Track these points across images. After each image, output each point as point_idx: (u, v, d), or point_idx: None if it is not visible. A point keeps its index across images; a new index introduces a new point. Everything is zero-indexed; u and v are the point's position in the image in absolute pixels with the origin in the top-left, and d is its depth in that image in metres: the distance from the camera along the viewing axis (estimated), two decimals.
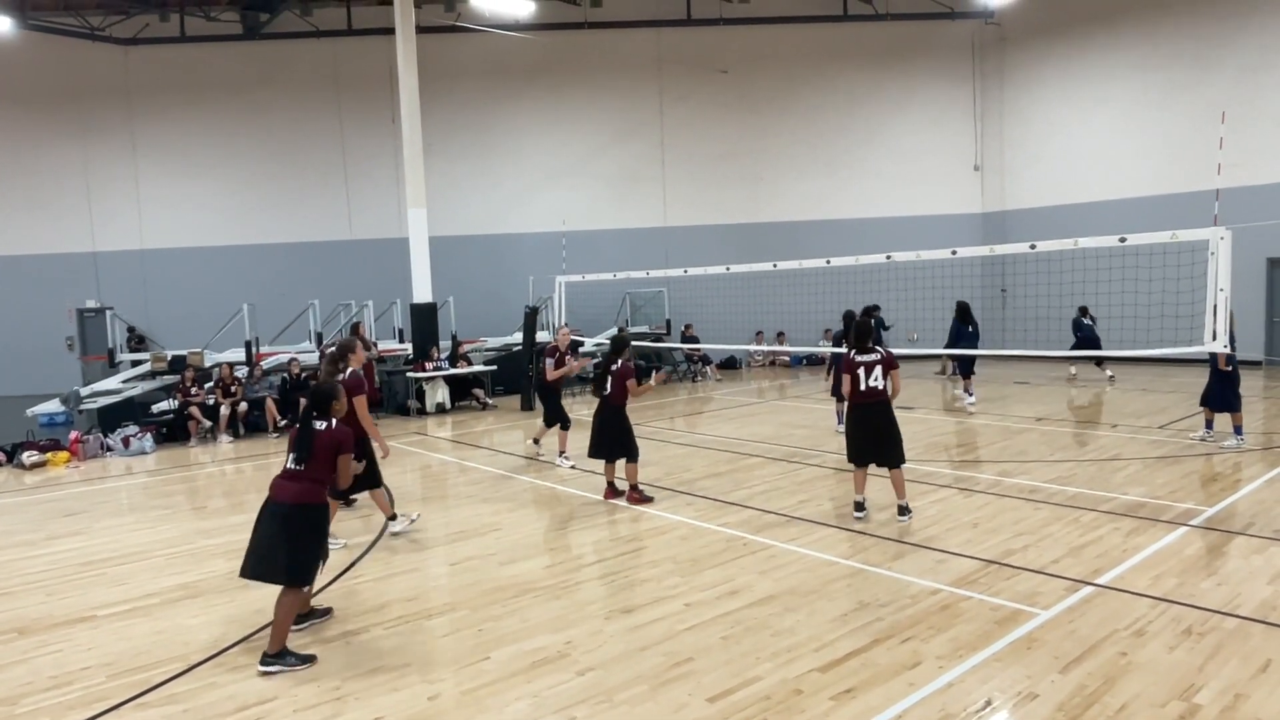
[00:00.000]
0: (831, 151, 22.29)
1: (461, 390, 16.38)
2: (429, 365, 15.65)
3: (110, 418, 13.58)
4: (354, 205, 22.18)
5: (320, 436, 5.04)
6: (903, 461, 7.40)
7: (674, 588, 5.89)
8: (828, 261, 12.07)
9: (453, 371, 16.09)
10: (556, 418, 10.50)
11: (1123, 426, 11.44)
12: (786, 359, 21.84)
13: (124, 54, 21.41)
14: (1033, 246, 10.14)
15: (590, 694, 4.38)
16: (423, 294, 15.89)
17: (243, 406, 13.73)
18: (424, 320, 15.95)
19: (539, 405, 11.28)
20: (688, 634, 5.09)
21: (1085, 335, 16.04)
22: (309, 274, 20.81)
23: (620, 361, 8.34)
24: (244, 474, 11.14)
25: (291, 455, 5.01)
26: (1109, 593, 5.49)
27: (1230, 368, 9.55)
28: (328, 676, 4.72)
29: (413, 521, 7.83)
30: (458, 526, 7.92)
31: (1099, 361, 16.22)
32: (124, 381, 14.69)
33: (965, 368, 13.98)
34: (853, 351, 7.42)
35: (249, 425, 13.87)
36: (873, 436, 7.37)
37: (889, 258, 11.40)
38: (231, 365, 14.19)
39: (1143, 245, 9.71)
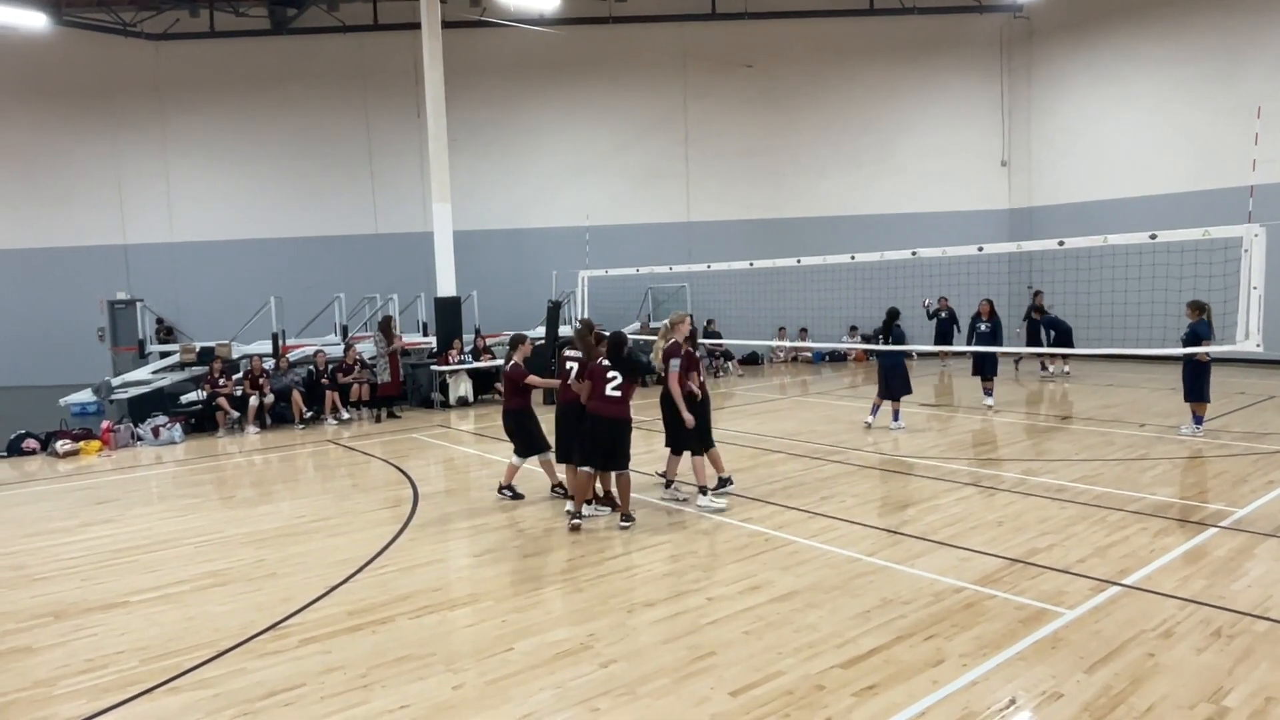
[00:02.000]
0: (857, 147, 22.15)
1: (484, 384, 16.47)
2: (453, 358, 15.75)
3: (140, 408, 13.80)
4: (379, 200, 22.36)
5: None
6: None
7: (696, 582, 5.91)
8: (852, 257, 11.98)
9: (476, 365, 16.18)
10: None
11: (1151, 426, 11.30)
12: (809, 355, 21.75)
13: (155, 49, 21.70)
14: (1061, 243, 10.03)
15: (612, 686, 4.41)
16: (447, 288, 15.99)
17: (269, 398, 13.89)
18: (448, 314, 16.05)
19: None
20: (710, 628, 5.10)
21: (1062, 330, 16.18)
22: (335, 268, 21.02)
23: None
24: (270, 465, 11.29)
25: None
26: (1136, 593, 5.44)
27: (1207, 359, 10.36)
28: (354, 664, 4.78)
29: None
30: (481, 518, 7.98)
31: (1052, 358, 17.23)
32: (154, 372, 14.93)
33: (993, 368, 13.73)
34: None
35: (275, 416, 14.03)
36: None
37: (915, 254, 11.32)
38: (261, 357, 14.36)
39: (1174, 242, 9.57)
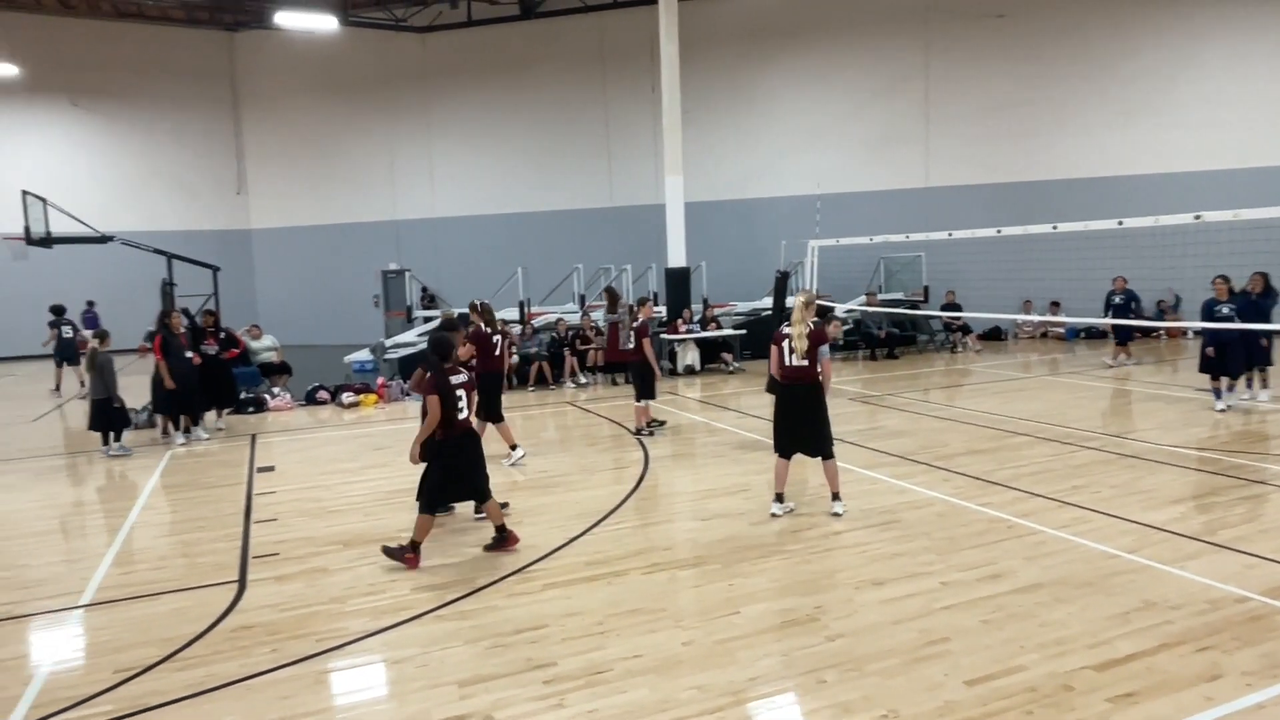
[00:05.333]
0: (1125, 98, 19.72)
1: (711, 353, 16.73)
2: (681, 328, 16.12)
3: (408, 367, 15.41)
4: (615, 173, 23.23)
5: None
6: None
7: (929, 564, 5.69)
8: (1120, 223, 10.75)
9: (703, 334, 16.46)
10: None
11: None
12: (1061, 331, 19.91)
13: (421, 41, 23.88)
14: None
15: (840, 660, 4.38)
16: (677, 259, 16.34)
17: (514, 360, 14.99)
18: (678, 284, 16.42)
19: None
20: (944, 613, 4.90)
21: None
22: (574, 239, 22.18)
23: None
24: (515, 422, 12.19)
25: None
26: None
27: None
28: (592, 611, 5.11)
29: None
30: (707, 484, 8.17)
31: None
32: (419, 335, 16.64)
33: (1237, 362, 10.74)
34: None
35: (520, 378, 15.13)
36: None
37: (1198, 218, 9.95)
38: (507, 323, 15.53)
39: None
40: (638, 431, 10.58)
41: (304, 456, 10.12)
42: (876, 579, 5.47)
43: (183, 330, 11.19)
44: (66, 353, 16.55)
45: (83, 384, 15.49)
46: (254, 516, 7.55)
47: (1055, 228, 11.67)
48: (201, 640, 4.93)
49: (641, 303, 11.11)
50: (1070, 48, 20.01)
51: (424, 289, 21.73)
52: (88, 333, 21.64)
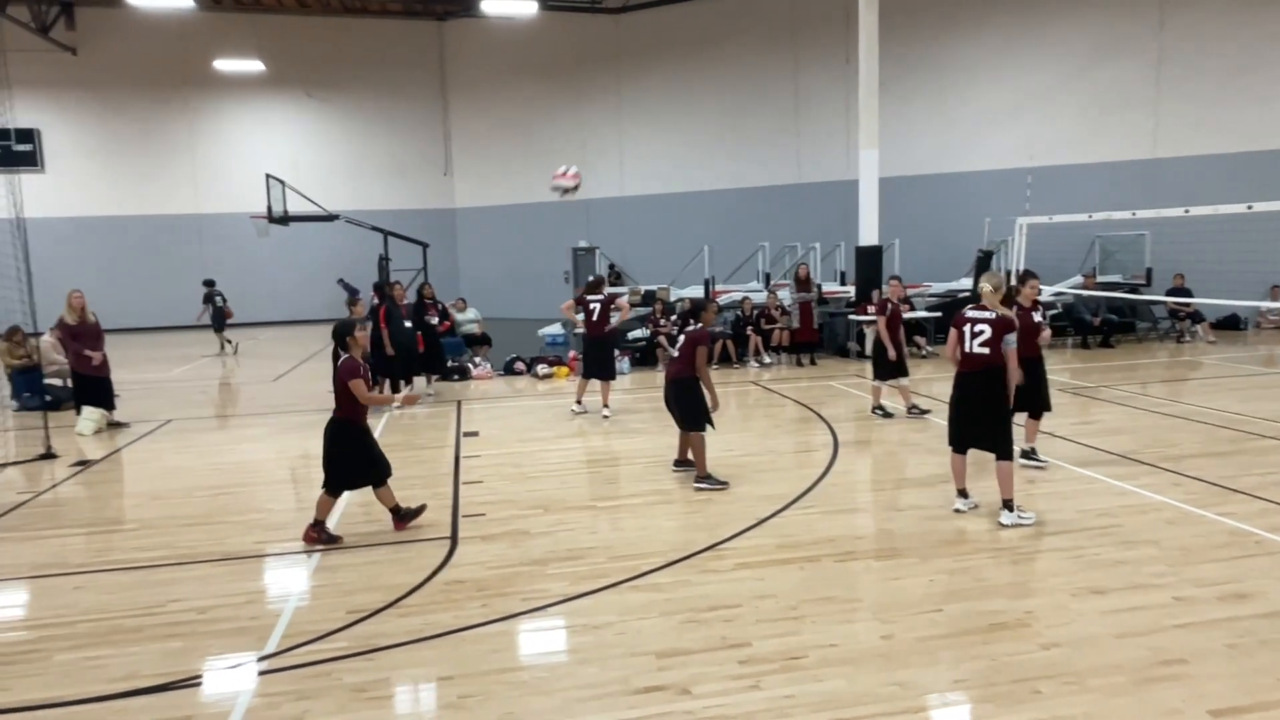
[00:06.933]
0: None
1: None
2: (870, 309, 15.53)
3: None
4: (803, 149, 22.69)
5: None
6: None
7: (1159, 576, 5.19)
8: None
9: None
10: None
11: None
12: None
13: (615, 22, 24.32)
14: None
15: (1056, 671, 4.09)
16: (869, 236, 15.74)
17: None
18: (868, 263, 15.82)
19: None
20: (1179, 631, 4.45)
21: None
22: (760, 217, 21.92)
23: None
24: None
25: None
26: None
27: None
28: (785, 595, 5.08)
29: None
30: (899, 474, 7.88)
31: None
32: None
33: None
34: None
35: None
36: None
37: None
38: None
39: None
40: (874, 410, 10.48)
41: (504, 424, 10.72)
42: (1096, 587, 5.06)
43: (405, 302, 12.13)
44: (218, 321, 18.56)
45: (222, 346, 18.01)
46: (462, 478, 8.09)
47: None
48: (419, 591, 5.36)
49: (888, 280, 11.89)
50: None
51: (611, 266, 22.27)
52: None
